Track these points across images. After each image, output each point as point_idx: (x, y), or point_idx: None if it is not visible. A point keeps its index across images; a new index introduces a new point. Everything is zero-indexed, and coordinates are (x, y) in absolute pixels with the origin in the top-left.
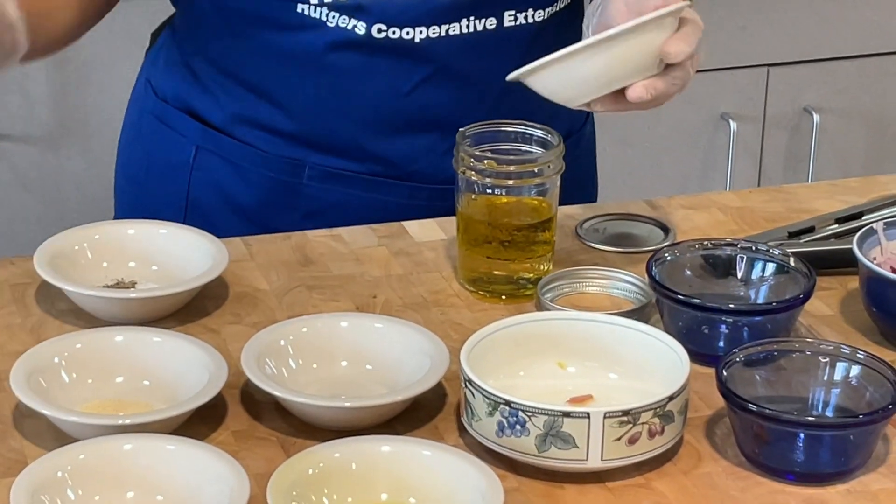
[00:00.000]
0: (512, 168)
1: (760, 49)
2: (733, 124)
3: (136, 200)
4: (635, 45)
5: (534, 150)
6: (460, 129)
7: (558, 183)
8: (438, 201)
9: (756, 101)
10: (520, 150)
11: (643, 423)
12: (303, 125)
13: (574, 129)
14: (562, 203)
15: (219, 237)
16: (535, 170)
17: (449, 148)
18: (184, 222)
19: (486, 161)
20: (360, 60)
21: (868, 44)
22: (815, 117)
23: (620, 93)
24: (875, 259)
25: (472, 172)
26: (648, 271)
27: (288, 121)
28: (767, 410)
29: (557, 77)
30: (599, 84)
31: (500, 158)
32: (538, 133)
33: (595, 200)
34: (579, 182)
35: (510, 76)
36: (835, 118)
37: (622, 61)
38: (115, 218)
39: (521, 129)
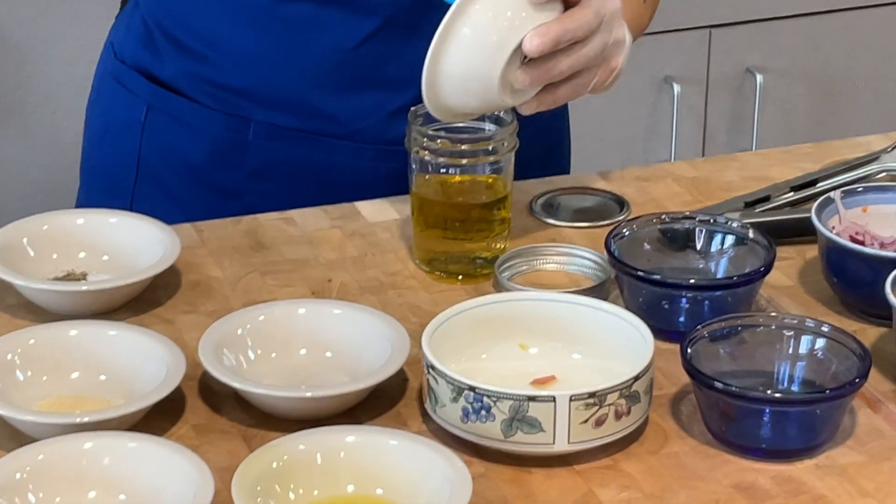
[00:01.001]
0: (465, 147)
1: (702, 11)
2: (677, 87)
3: (94, 162)
4: None
5: (487, 127)
6: (412, 108)
7: (513, 160)
8: (384, 162)
9: (699, 64)
10: (473, 127)
11: (609, 405)
12: (249, 80)
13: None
14: (533, 174)
15: (169, 197)
16: (490, 147)
17: (397, 108)
18: (135, 182)
19: (439, 140)
20: (309, 12)
21: (809, 3)
22: (759, 78)
23: (547, 88)
24: (833, 228)
25: (426, 152)
26: (607, 247)
27: (234, 76)
28: (734, 388)
29: (456, 58)
30: (493, 52)
31: (454, 137)
32: None
33: (568, 171)
34: (550, 151)
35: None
36: (778, 78)
37: (495, 13)
38: (81, 185)
39: None
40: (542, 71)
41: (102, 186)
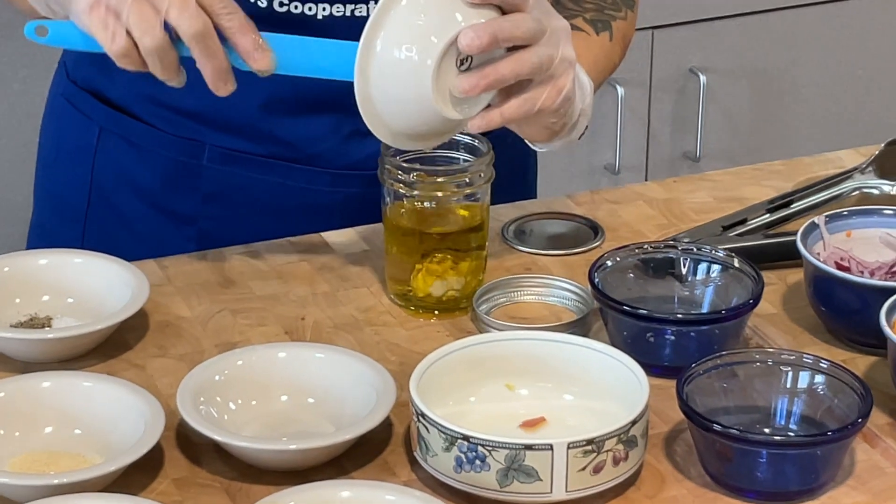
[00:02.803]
0: (441, 179)
1: (644, 12)
2: (620, 90)
3: (47, 185)
4: None
5: (462, 157)
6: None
7: (489, 191)
8: (341, 186)
9: (642, 65)
10: (447, 157)
11: (608, 451)
12: (202, 103)
13: None
14: (498, 200)
15: (122, 221)
16: (466, 179)
17: (352, 132)
18: (87, 206)
19: (413, 174)
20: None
21: (751, 2)
22: (702, 78)
23: (488, 107)
24: (818, 254)
25: (401, 185)
26: (591, 281)
27: (188, 99)
28: (733, 430)
29: (383, 81)
30: (422, 55)
31: (429, 170)
32: (465, 139)
33: (535, 195)
34: (516, 175)
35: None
36: (721, 78)
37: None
38: (34, 207)
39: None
40: (482, 76)
41: (56, 209)
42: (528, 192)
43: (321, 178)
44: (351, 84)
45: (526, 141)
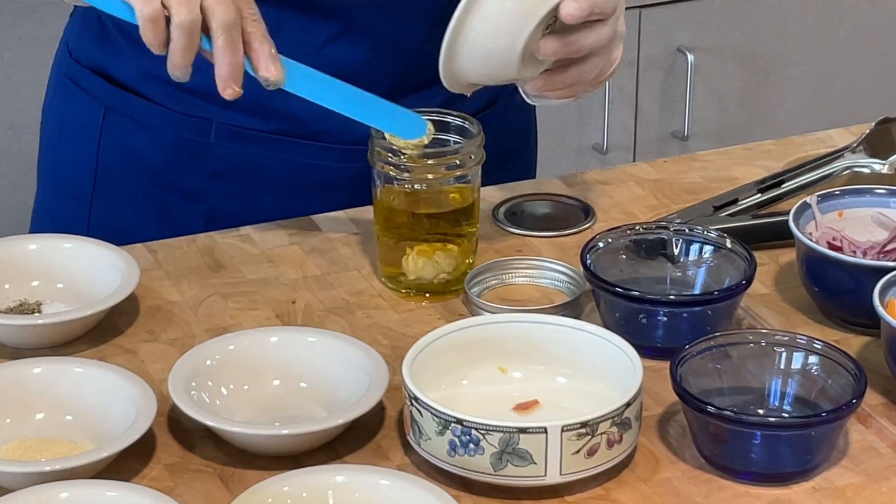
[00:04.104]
0: (431, 162)
1: None
2: None
3: (51, 165)
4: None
5: (452, 139)
6: None
7: (479, 173)
8: (349, 162)
9: (629, 44)
10: (437, 139)
11: (602, 434)
12: (210, 81)
13: (502, 93)
14: (496, 179)
15: (129, 200)
16: (457, 161)
17: None
18: (94, 186)
19: (404, 155)
20: (269, 14)
21: None
22: (690, 57)
23: (551, 70)
24: (810, 234)
25: (391, 168)
26: (583, 262)
27: (195, 77)
28: (727, 412)
29: (480, 28)
30: (524, 14)
31: (419, 152)
32: (456, 121)
33: (534, 176)
34: (513, 154)
35: (443, 56)
36: (708, 57)
37: None
38: (38, 188)
39: (436, 117)
40: (567, 42)
41: (61, 189)
42: (527, 170)
43: (329, 154)
44: (360, 62)
45: (524, 94)
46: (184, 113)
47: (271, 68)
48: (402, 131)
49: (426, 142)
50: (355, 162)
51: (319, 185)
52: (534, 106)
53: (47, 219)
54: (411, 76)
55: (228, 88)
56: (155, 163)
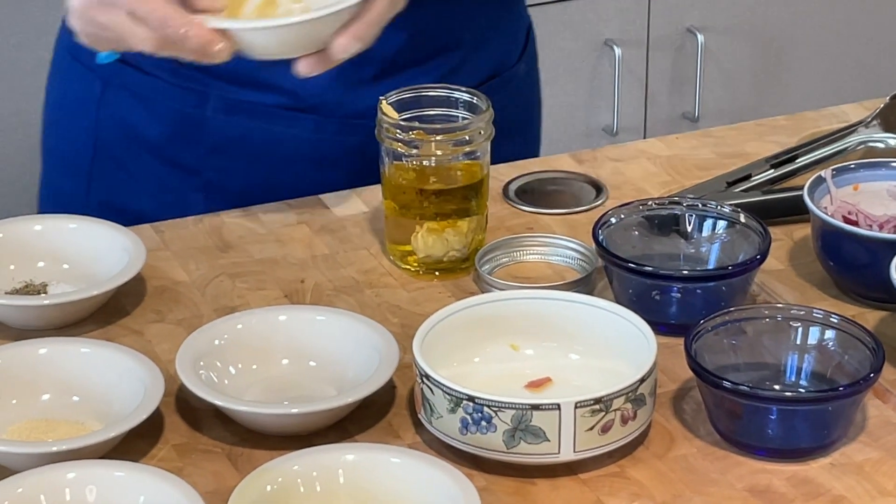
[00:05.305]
0: (440, 137)
1: None
2: (618, 50)
3: (52, 141)
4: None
5: (461, 115)
6: (381, 97)
7: (489, 150)
8: (348, 135)
9: (639, 26)
10: (446, 115)
11: (616, 410)
12: None
13: (507, 65)
14: (501, 152)
15: (127, 174)
16: (466, 137)
17: (358, 80)
18: (92, 160)
19: (412, 132)
20: None
21: None
22: (700, 37)
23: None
24: (825, 208)
25: (399, 144)
26: (595, 238)
27: None
28: (743, 387)
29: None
30: (293, 49)
31: (428, 128)
32: (464, 96)
33: (538, 153)
34: (519, 127)
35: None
36: (719, 37)
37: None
38: (42, 165)
39: (445, 92)
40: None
41: (61, 165)
42: (533, 143)
43: (327, 127)
44: None
45: None
46: (181, 86)
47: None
48: None
49: None
50: (354, 135)
51: (318, 159)
52: (538, 78)
53: (50, 195)
54: (418, 38)
55: (206, 57)
56: (153, 136)
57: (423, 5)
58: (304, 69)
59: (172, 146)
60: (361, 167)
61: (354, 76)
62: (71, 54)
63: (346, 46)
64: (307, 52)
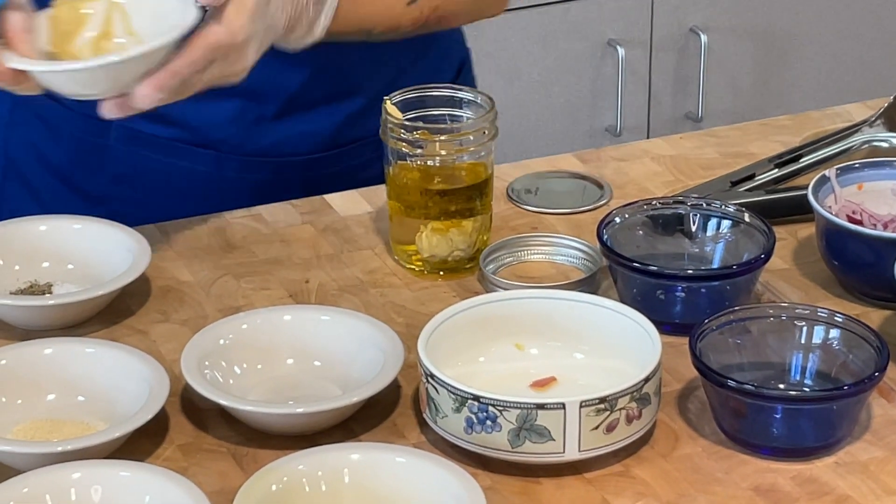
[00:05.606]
0: (444, 137)
1: None
2: (621, 50)
3: None
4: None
5: (465, 115)
6: (385, 98)
7: (493, 149)
8: (249, 173)
9: (642, 26)
10: (450, 115)
11: (620, 409)
12: None
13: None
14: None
15: (36, 197)
16: (470, 137)
17: (257, 118)
18: (3, 179)
19: (416, 132)
20: None
21: None
22: (703, 37)
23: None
24: (830, 207)
25: (403, 144)
26: (599, 237)
27: None
28: (748, 386)
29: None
30: (96, 90)
31: (432, 128)
32: (468, 96)
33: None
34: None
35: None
36: (722, 37)
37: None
38: None
39: (449, 92)
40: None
41: None
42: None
43: (228, 164)
44: (257, 70)
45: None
46: (85, 113)
47: None
48: None
49: None
50: (257, 173)
51: (221, 193)
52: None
53: None
54: (316, 81)
55: (17, 92)
56: (58, 161)
57: (326, 45)
58: (106, 111)
59: (77, 173)
60: (268, 201)
61: (254, 113)
62: None
63: (145, 94)
64: (112, 95)
